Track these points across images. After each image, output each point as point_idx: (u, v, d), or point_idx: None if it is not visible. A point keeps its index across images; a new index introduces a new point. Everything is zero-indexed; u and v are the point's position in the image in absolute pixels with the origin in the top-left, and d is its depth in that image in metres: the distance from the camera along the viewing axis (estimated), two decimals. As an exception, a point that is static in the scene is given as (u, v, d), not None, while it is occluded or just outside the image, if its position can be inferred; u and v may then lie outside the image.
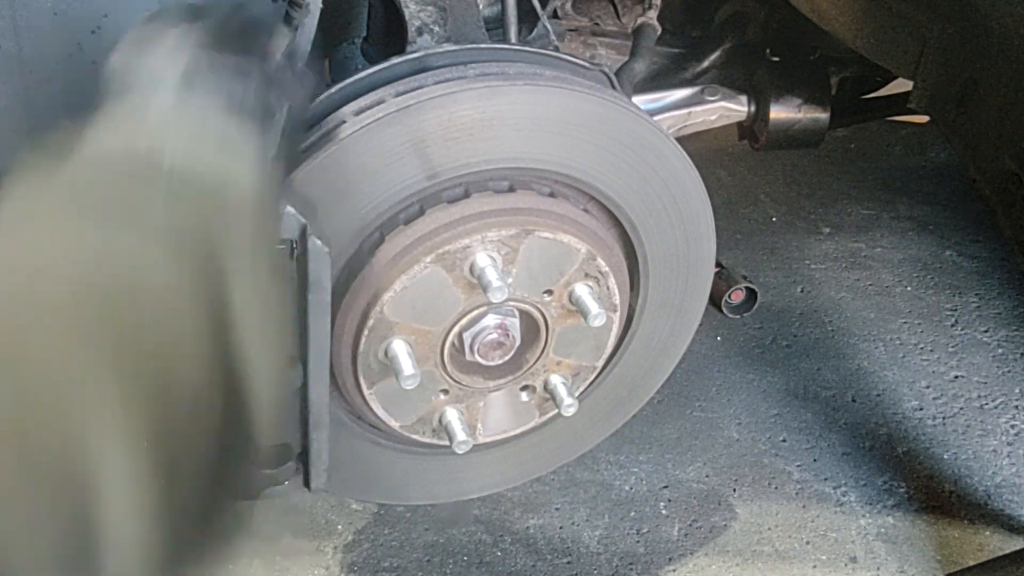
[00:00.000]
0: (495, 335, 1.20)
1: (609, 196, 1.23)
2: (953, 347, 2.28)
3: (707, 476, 1.93)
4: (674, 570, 1.74)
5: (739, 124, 2.00)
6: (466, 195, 1.14)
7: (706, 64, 1.92)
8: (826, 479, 1.93)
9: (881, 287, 2.47)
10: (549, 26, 1.45)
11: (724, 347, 2.26)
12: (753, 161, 2.94)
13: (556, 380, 1.31)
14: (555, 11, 1.75)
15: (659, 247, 1.31)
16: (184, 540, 0.59)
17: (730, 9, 1.96)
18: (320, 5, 1.24)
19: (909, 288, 2.47)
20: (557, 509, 1.85)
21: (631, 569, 1.74)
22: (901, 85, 2.08)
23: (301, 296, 1.02)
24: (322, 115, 1.11)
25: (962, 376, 2.19)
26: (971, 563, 1.74)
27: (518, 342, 1.23)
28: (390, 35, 1.37)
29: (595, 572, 1.74)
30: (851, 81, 2.17)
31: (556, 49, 1.27)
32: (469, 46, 1.17)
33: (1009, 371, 2.20)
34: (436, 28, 1.24)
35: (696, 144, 1.64)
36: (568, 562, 1.75)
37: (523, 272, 1.18)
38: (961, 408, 2.10)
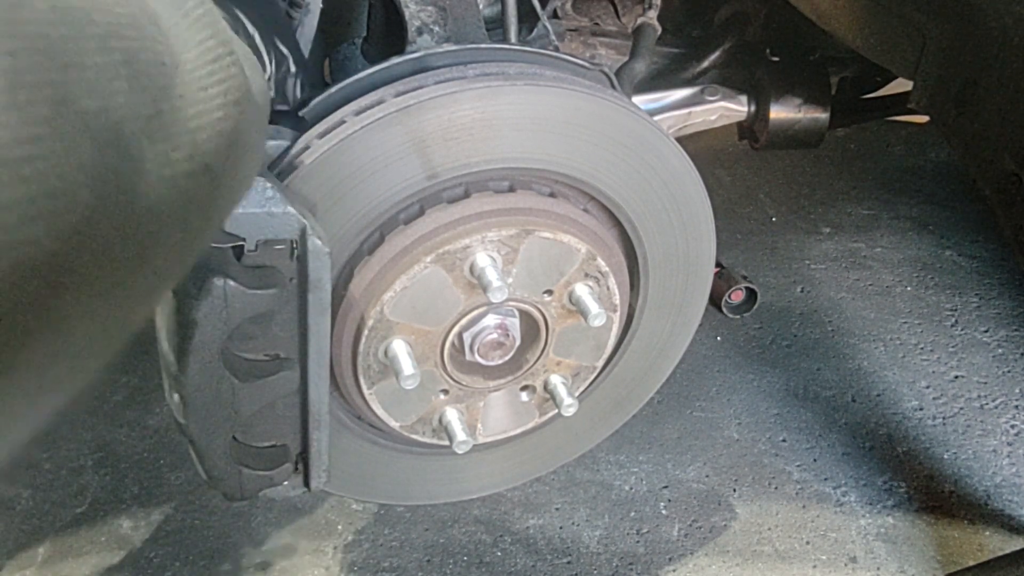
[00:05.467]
0: (495, 335, 1.20)
1: (609, 196, 1.23)
2: (953, 347, 2.28)
3: (707, 476, 1.93)
4: (674, 570, 1.74)
5: (739, 124, 2.01)
6: (466, 195, 1.14)
7: (706, 64, 1.92)
8: (826, 479, 1.93)
9: (881, 287, 2.47)
10: (549, 26, 1.45)
11: (724, 347, 2.26)
12: (753, 161, 2.94)
13: (556, 380, 1.31)
14: (555, 11, 1.75)
15: (659, 247, 1.31)
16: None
17: (730, 9, 1.96)
18: (320, 5, 1.24)
19: (909, 288, 2.47)
20: (557, 509, 1.85)
21: (631, 569, 1.74)
22: (901, 85, 2.08)
23: (301, 296, 1.02)
24: (322, 114, 1.11)
25: (962, 376, 2.19)
26: (971, 563, 1.74)
27: (518, 342, 1.23)
28: (390, 35, 1.37)
29: (595, 572, 1.74)
30: (851, 81, 2.17)
31: (556, 49, 1.27)
32: (469, 46, 1.17)
33: (1009, 371, 2.20)
34: (436, 28, 1.24)
35: (696, 144, 1.64)
36: (568, 562, 1.75)
37: (523, 272, 1.18)
38: (961, 408, 2.11)
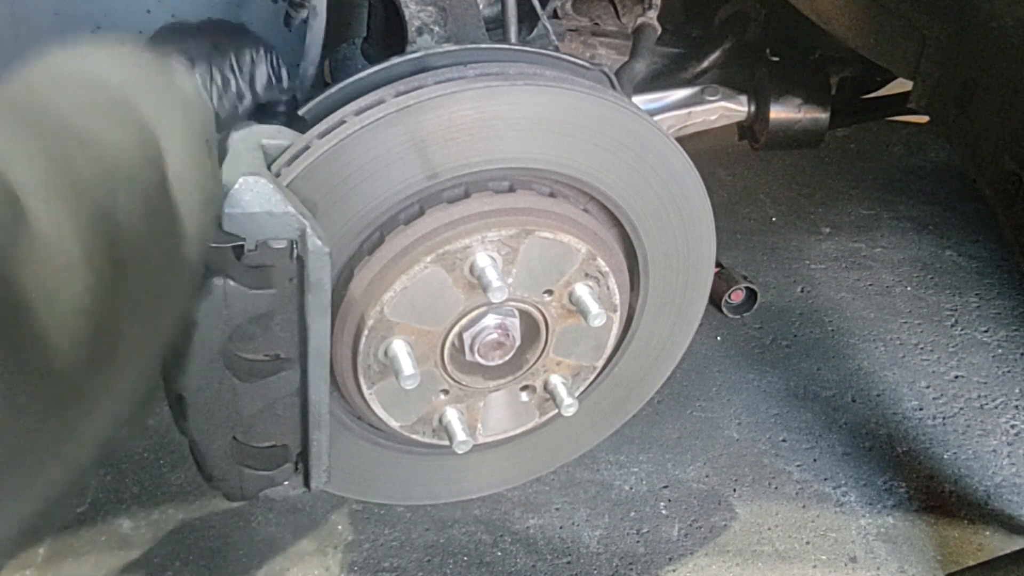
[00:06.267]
0: (495, 335, 1.20)
1: (609, 196, 1.23)
2: (953, 347, 2.28)
3: (707, 476, 1.93)
4: (674, 570, 1.74)
5: (739, 124, 2.00)
6: (466, 195, 1.14)
7: (706, 64, 1.92)
8: (826, 479, 1.93)
9: (881, 287, 2.47)
10: (549, 26, 1.45)
11: (724, 347, 2.26)
12: (753, 161, 2.94)
13: (556, 380, 1.31)
14: (555, 11, 1.75)
15: (659, 247, 1.31)
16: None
17: (730, 9, 1.96)
18: (325, 6, 1.24)
19: (909, 288, 2.47)
20: (557, 509, 1.85)
21: (631, 569, 1.74)
22: (901, 85, 2.08)
23: (301, 296, 1.02)
24: (322, 115, 1.11)
25: (962, 376, 2.19)
26: (971, 563, 1.74)
27: (518, 342, 1.23)
28: (390, 35, 1.37)
29: (595, 572, 1.74)
30: (851, 81, 2.17)
31: (556, 49, 1.27)
32: (469, 46, 1.17)
33: (1009, 371, 2.20)
34: (436, 28, 1.24)
35: (696, 144, 1.64)
36: (568, 562, 1.75)
37: (523, 272, 1.18)
38: (961, 408, 2.11)
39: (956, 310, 2.40)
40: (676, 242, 1.33)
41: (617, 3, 1.87)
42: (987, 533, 1.83)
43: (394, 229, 1.13)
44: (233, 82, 1.04)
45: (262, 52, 1.08)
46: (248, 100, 1.05)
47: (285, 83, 1.11)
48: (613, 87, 1.25)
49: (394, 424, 1.25)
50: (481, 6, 1.40)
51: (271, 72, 1.08)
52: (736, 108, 1.94)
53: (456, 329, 1.19)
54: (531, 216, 1.17)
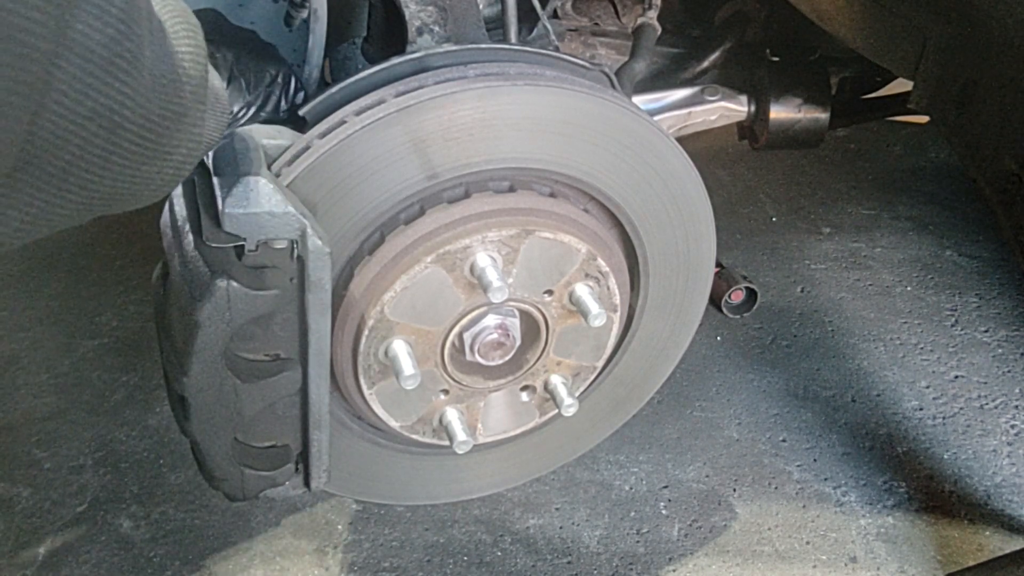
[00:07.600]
0: (495, 335, 1.20)
1: (609, 196, 1.23)
2: (953, 347, 2.28)
3: (707, 476, 1.93)
4: (674, 570, 1.74)
5: (739, 124, 2.01)
6: (466, 195, 1.14)
7: (706, 64, 1.92)
8: (826, 479, 1.93)
9: (881, 287, 2.47)
10: (549, 26, 1.45)
11: (724, 347, 2.27)
12: (753, 161, 2.94)
13: (556, 380, 1.31)
14: (555, 11, 1.75)
15: (659, 247, 1.31)
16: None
17: (730, 9, 1.97)
18: (326, 9, 1.24)
19: (909, 288, 2.47)
20: (557, 509, 1.85)
21: (631, 569, 1.74)
22: (901, 85, 2.08)
23: (301, 296, 1.02)
24: (322, 115, 1.11)
25: (962, 376, 2.19)
26: (971, 563, 1.74)
27: (518, 342, 1.23)
28: (390, 35, 1.37)
29: (595, 572, 1.74)
30: (851, 81, 2.17)
31: (556, 49, 1.27)
32: (469, 46, 1.17)
33: (1009, 371, 2.20)
34: (436, 28, 1.24)
35: (696, 144, 1.64)
36: (568, 562, 1.75)
37: (523, 272, 1.18)
38: (961, 408, 2.11)
39: (956, 310, 2.40)
40: (676, 242, 1.33)
41: (617, 3, 1.87)
42: (987, 533, 1.83)
43: (394, 229, 1.13)
44: (241, 99, 1.03)
45: (280, 79, 1.08)
46: (248, 116, 1.05)
47: (299, 101, 1.12)
48: (613, 87, 1.25)
49: (394, 424, 1.25)
50: (481, 6, 1.40)
51: (284, 99, 1.09)
52: (736, 108, 1.94)
53: (456, 329, 1.19)
54: (531, 216, 1.17)
